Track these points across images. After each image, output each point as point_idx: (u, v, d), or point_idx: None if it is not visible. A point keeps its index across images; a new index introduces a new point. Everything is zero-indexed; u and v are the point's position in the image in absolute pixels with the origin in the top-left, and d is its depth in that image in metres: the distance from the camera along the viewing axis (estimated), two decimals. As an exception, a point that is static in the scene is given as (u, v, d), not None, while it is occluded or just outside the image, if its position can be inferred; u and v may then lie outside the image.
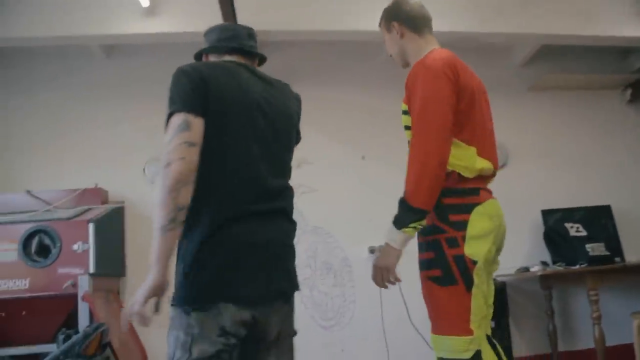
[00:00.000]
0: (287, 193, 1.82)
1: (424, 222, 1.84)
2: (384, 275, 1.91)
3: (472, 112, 1.94)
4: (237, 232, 1.63)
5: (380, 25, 2.24)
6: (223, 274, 1.61)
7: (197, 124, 1.62)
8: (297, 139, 2.01)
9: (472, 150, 1.92)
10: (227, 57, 1.91)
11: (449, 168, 1.88)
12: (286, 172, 1.87)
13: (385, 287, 1.95)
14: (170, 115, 1.66)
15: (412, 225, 1.82)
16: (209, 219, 1.62)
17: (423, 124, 1.85)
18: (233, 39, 1.92)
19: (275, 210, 1.72)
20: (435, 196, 1.83)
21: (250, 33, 1.97)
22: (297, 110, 1.99)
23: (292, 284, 1.79)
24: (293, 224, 1.83)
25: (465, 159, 1.89)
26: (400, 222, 1.83)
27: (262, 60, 2.02)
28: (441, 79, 1.87)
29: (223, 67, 1.81)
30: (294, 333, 1.85)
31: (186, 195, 1.55)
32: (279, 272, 1.72)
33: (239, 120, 1.71)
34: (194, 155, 1.57)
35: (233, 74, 1.79)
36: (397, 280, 1.91)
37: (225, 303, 1.59)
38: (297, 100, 2.03)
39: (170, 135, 1.60)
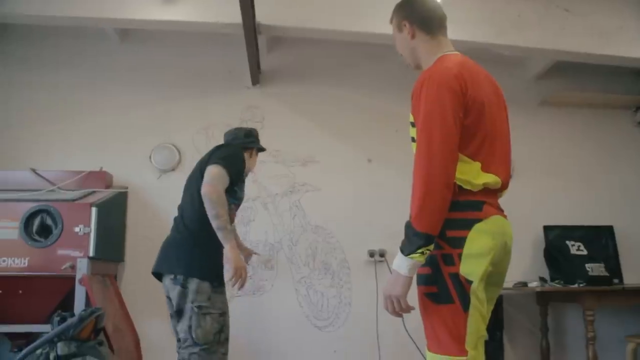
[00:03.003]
0: (181, 212, 2.83)
1: (432, 247, 1.72)
2: (394, 304, 1.78)
3: (479, 126, 1.83)
4: None
5: (391, 21, 2.11)
6: None
7: None
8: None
9: (477, 165, 1.81)
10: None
11: None
12: (186, 199, 2.85)
13: (399, 315, 1.82)
14: None
15: (420, 250, 1.70)
16: None
17: (426, 142, 1.74)
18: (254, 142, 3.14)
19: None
20: (442, 219, 1.72)
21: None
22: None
23: (159, 266, 2.73)
24: (174, 231, 2.81)
25: (467, 173, 1.79)
26: (406, 248, 1.72)
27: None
28: (447, 92, 1.75)
29: None
30: (175, 309, 2.63)
31: None
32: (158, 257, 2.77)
33: None
34: None
35: None
36: (409, 308, 1.80)
37: None
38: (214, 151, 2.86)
39: None
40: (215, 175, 2.61)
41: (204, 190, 2.57)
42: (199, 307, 2.56)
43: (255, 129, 3.19)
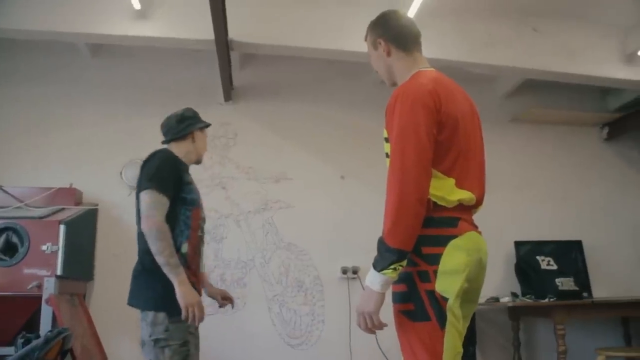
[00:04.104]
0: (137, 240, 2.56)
1: (405, 263, 1.70)
2: (367, 320, 1.76)
3: (453, 142, 1.82)
4: None
5: (365, 39, 2.09)
6: None
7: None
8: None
9: (451, 181, 1.80)
10: None
11: None
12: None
13: (372, 332, 1.79)
14: None
15: (392, 266, 1.68)
16: None
17: (399, 157, 1.72)
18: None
19: None
20: (415, 235, 1.70)
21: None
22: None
23: (130, 298, 2.53)
24: (138, 262, 2.54)
25: (441, 189, 1.78)
26: (379, 263, 1.70)
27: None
28: (420, 108, 1.74)
29: None
30: (142, 342, 2.47)
31: None
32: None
33: None
34: None
35: None
36: (382, 325, 1.77)
37: None
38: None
39: None
40: (149, 204, 2.41)
41: (143, 226, 2.41)
42: (156, 341, 2.42)
43: (189, 108, 2.81)
